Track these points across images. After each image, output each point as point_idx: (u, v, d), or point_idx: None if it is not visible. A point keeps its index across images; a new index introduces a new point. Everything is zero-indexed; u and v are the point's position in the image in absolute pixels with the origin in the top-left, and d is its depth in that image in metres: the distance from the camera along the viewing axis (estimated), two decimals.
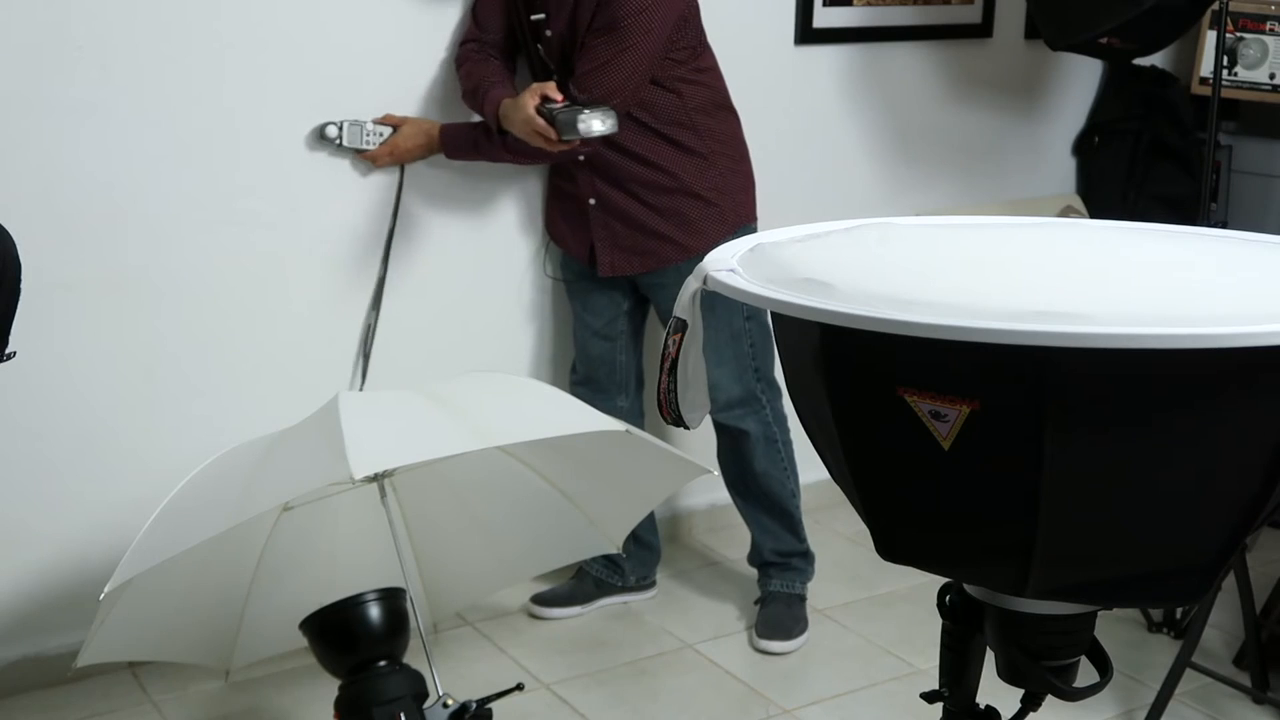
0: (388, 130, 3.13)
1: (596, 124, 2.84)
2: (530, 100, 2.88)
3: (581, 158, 3.11)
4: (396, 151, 3.13)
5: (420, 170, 3.23)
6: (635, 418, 3.36)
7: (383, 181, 3.22)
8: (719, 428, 3.27)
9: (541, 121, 2.86)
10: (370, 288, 3.25)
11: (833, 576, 3.49)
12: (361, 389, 3.21)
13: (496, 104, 2.99)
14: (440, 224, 3.30)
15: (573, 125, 2.83)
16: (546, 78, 3.04)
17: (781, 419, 3.27)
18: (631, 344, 3.34)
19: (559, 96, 2.88)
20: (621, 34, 2.90)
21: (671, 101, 3.03)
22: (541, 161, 3.16)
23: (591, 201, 3.15)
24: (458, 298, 3.36)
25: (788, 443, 3.29)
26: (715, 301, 2.94)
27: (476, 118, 3.13)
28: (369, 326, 3.25)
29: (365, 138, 3.11)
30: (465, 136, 3.11)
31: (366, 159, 3.14)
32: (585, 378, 3.34)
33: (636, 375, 3.39)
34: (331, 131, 3.08)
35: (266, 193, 3.10)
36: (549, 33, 3.01)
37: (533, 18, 3.03)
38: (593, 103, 2.87)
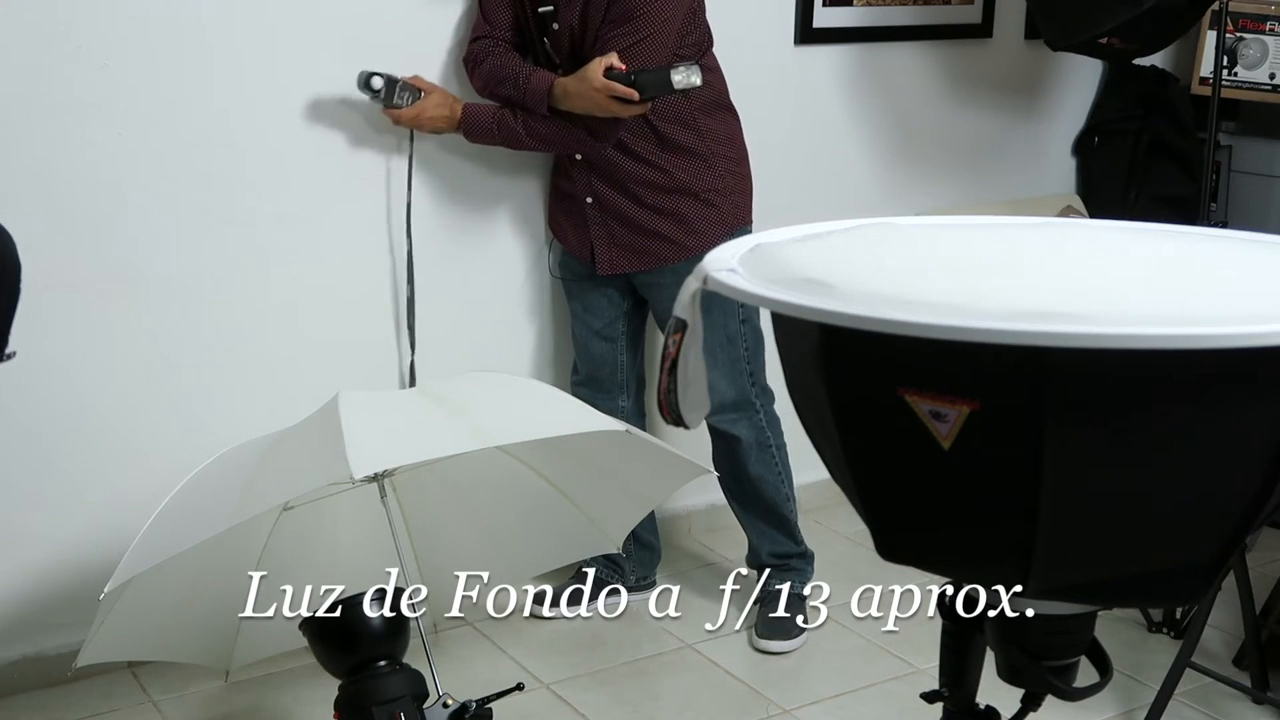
0: (418, 94, 3.10)
1: (694, 76, 2.88)
2: (598, 71, 2.89)
3: (579, 156, 3.11)
4: (420, 117, 3.09)
5: (420, 170, 3.23)
6: (637, 418, 3.36)
7: (385, 179, 3.22)
8: (713, 431, 3.27)
9: (620, 86, 2.86)
10: (370, 288, 3.25)
11: (833, 576, 3.49)
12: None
13: (548, 84, 2.98)
14: (441, 223, 3.30)
15: (664, 82, 2.86)
16: (552, 71, 3.03)
17: (775, 423, 3.27)
18: (632, 344, 3.34)
19: (623, 65, 2.89)
20: (637, 24, 2.90)
21: (673, 99, 3.03)
22: (561, 150, 3.11)
23: (589, 200, 3.15)
24: (459, 297, 3.36)
25: (781, 446, 3.28)
26: (711, 304, 2.93)
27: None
28: (409, 299, 3.24)
29: (398, 95, 3.08)
30: (488, 119, 3.08)
31: (392, 115, 3.10)
32: (587, 378, 3.34)
33: (638, 376, 3.38)
34: (377, 82, 3.04)
35: (267, 191, 3.10)
36: (557, 26, 3.01)
37: (540, 10, 3.02)
38: (670, 62, 2.90)
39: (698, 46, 3.05)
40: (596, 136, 3.01)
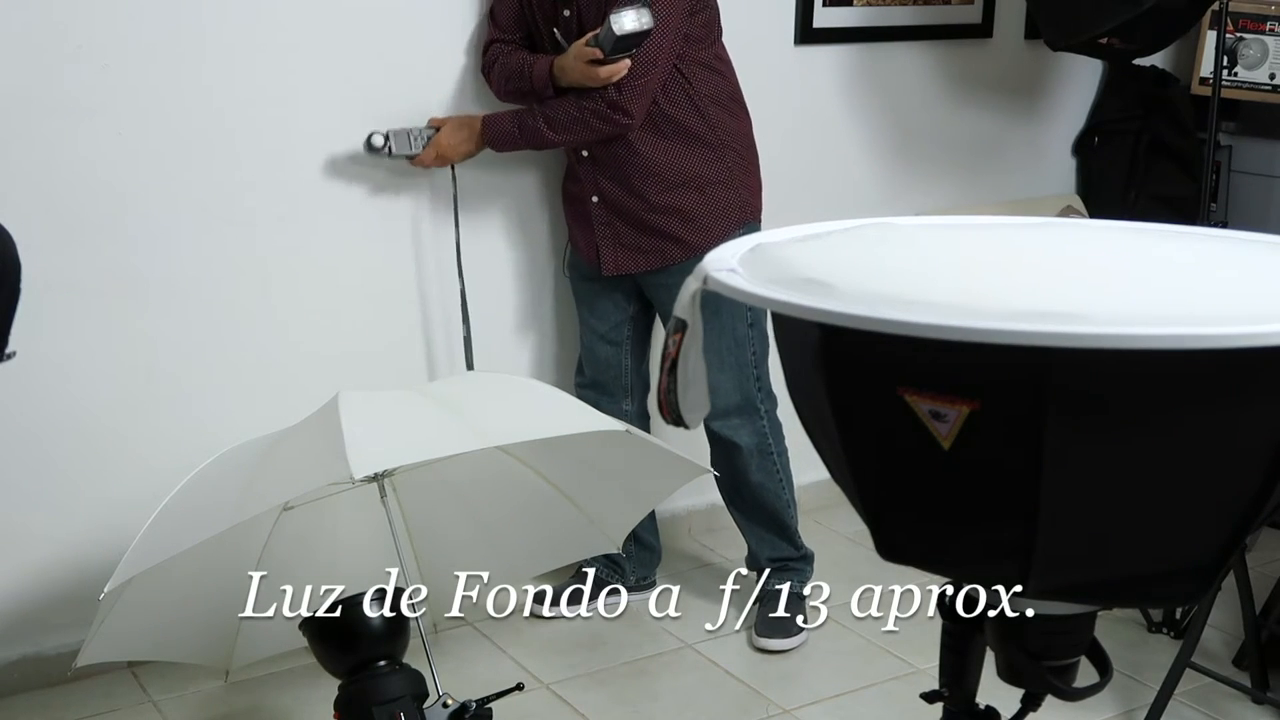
0: (432, 133, 3.12)
1: (630, 21, 2.82)
2: (582, 40, 2.90)
3: (585, 153, 3.11)
4: (442, 151, 3.11)
5: (424, 173, 3.22)
6: (641, 422, 3.35)
7: (388, 181, 3.21)
8: (713, 437, 3.25)
9: (587, 49, 2.87)
10: (371, 288, 3.25)
11: (833, 576, 3.49)
12: None
13: (548, 66, 2.99)
14: (445, 225, 3.30)
15: (609, 32, 2.83)
16: None
17: (777, 428, 3.26)
18: (637, 349, 3.33)
19: None
20: None
21: (680, 89, 3.02)
22: (587, 135, 3.02)
23: (594, 199, 3.14)
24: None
25: (783, 453, 3.27)
26: (720, 306, 2.95)
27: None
28: (465, 339, 3.23)
29: (411, 143, 3.10)
30: (509, 124, 3.08)
31: (415, 164, 3.14)
32: (592, 381, 3.34)
33: (643, 380, 3.38)
34: (378, 141, 3.07)
35: (267, 193, 3.10)
36: (567, 12, 3.01)
37: None
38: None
39: (708, 28, 3.04)
40: (614, 109, 2.95)
